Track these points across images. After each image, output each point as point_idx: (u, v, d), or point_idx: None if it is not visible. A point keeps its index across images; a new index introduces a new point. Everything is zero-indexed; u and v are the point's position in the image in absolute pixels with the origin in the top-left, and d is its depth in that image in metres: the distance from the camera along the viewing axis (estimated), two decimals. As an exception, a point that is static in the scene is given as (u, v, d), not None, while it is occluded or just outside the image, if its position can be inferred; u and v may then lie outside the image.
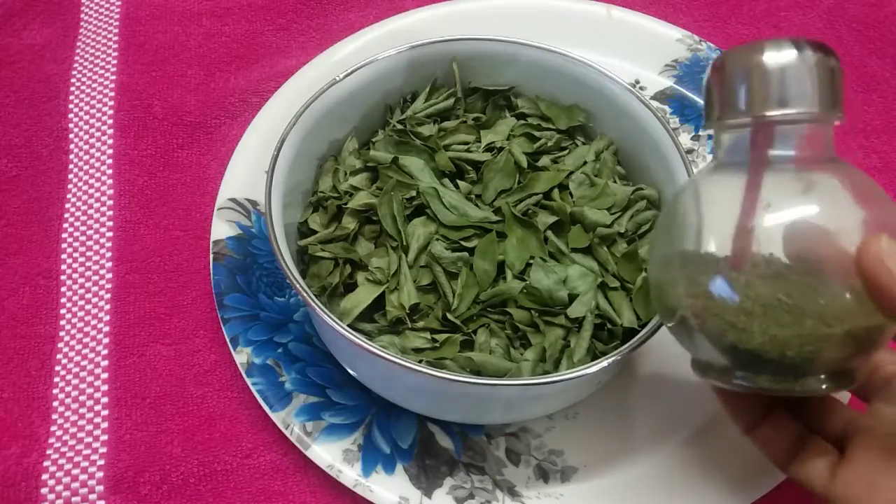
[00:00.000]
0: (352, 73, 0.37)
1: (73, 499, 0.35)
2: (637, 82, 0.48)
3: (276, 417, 0.35)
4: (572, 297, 0.33)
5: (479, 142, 0.37)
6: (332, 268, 0.34)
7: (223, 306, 0.37)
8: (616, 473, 0.35)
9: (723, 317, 0.25)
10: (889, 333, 0.25)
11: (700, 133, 0.46)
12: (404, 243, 0.34)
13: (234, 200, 0.41)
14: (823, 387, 0.25)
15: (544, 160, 0.37)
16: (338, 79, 0.36)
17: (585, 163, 0.37)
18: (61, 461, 0.36)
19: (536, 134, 0.38)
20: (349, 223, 0.35)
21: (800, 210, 0.25)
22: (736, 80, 0.25)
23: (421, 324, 0.33)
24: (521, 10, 0.49)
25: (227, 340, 0.37)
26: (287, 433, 0.35)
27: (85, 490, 0.35)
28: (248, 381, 0.36)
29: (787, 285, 0.24)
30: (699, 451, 0.36)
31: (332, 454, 0.34)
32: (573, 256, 0.34)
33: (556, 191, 0.36)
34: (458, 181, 0.36)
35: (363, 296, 0.33)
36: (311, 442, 0.35)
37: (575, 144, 0.39)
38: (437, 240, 0.34)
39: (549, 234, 0.35)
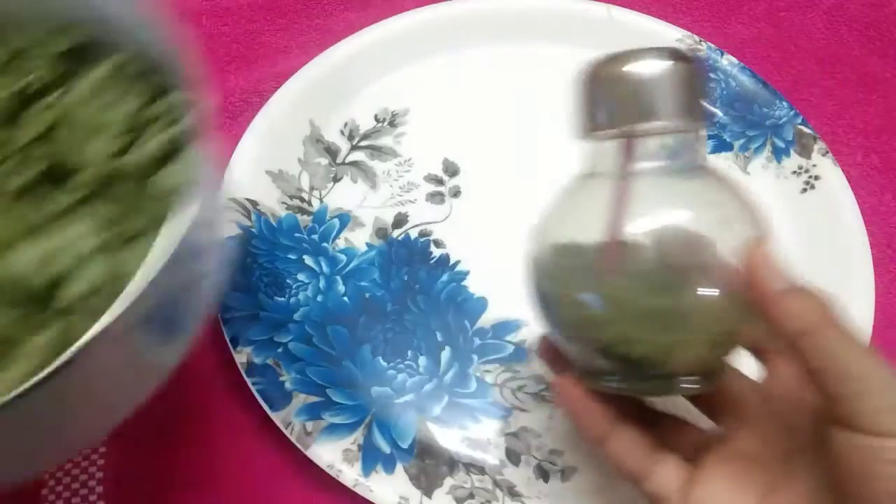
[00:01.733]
0: None
1: (73, 499, 0.35)
2: (637, 82, 0.48)
3: (276, 417, 0.35)
4: (69, 273, 0.24)
5: None
6: None
7: (223, 306, 0.37)
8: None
9: (598, 326, 0.26)
10: (748, 335, 0.27)
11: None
12: None
13: (234, 200, 0.41)
14: (690, 387, 0.26)
15: (40, 102, 0.28)
16: None
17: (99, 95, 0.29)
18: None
19: (23, 68, 0.29)
20: None
21: (666, 217, 0.26)
22: (602, 93, 0.26)
23: None
24: (520, 10, 0.49)
25: (227, 340, 0.37)
26: (287, 433, 0.35)
27: (85, 490, 0.35)
28: (248, 381, 0.36)
29: (660, 292, 0.25)
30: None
31: (332, 454, 0.34)
32: (73, 213, 0.26)
33: (52, 134, 0.27)
34: None
35: None
36: (311, 442, 0.35)
37: (84, 71, 0.29)
38: None
39: (39, 192, 0.26)
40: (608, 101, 0.26)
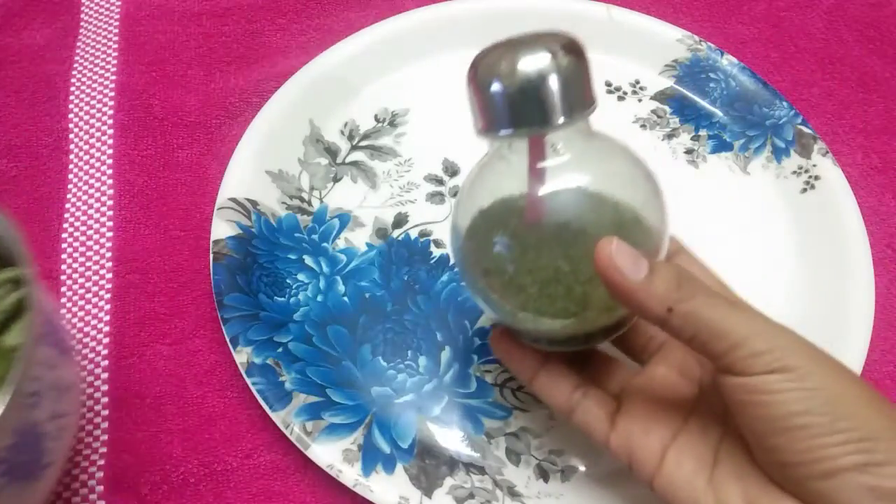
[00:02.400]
0: None
1: (74, 499, 0.35)
2: (637, 82, 0.48)
3: (276, 417, 0.35)
4: None
5: None
6: None
7: (223, 306, 0.38)
8: (617, 473, 0.35)
9: (514, 292, 0.28)
10: None
11: (700, 133, 0.46)
12: None
13: (234, 200, 0.41)
14: (603, 338, 0.29)
15: None
16: None
17: None
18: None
19: None
20: None
21: (572, 186, 0.28)
22: (494, 99, 0.26)
23: None
24: (521, 10, 0.49)
25: (227, 340, 0.37)
26: (287, 433, 0.35)
27: (85, 490, 0.35)
28: (248, 381, 0.36)
29: (571, 256, 0.27)
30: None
31: (332, 454, 0.34)
32: None
33: None
34: None
35: None
36: (311, 442, 0.35)
37: None
38: None
39: None
40: (502, 107, 0.26)
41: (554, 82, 0.25)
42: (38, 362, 0.28)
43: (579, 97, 0.26)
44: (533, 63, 0.25)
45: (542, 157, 0.27)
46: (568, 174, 0.27)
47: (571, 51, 0.26)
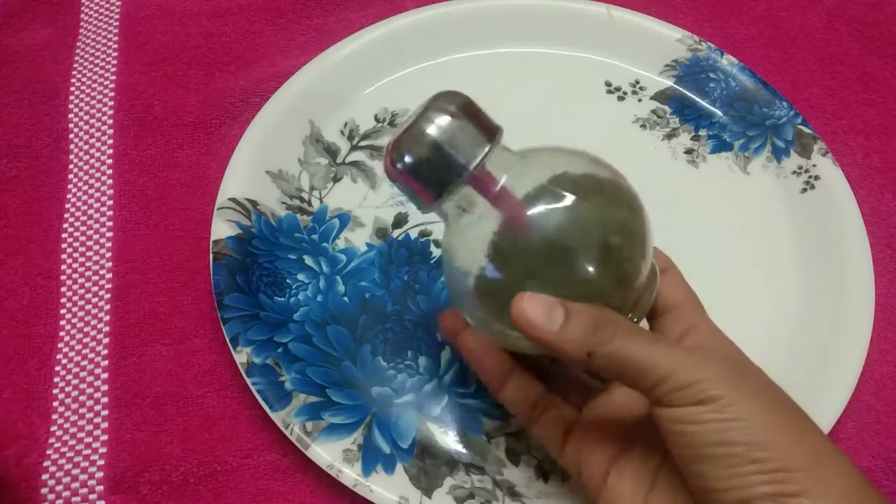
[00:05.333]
0: None
1: (74, 499, 0.35)
2: (637, 82, 0.48)
3: (276, 417, 0.35)
4: None
5: None
6: None
7: (223, 306, 0.38)
8: (616, 473, 0.35)
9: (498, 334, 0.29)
10: (630, 298, 0.29)
11: (700, 133, 0.46)
12: None
13: (234, 200, 0.41)
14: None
15: None
16: None
17: None
18: (61, 461, 0.36)
19: None
20: None
21: (548, 205, 0.28)
22: (420, 170, 0.28)
23: None
24: (521, 10, 0.49)
25: (227, 340, 0.37)
26: (287, 433, 0.35)
27: (85, 490, 0.35)
28: (248, 381, 0.36)
29: (555, 266, 0.28)
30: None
31: (332, 454, 0.34)
32: None
33: None
34: None
35: None
36: (310, 442, 0.35)
37: None
38: None
39: None
40: (443, 160, 0.27)
41: (454, 128, 0.27)
42: None
43: (482, 128, 0.28)
44: (428, 126, 0.27)
45: (493, 184, 0.28)
46: (517, 187, 0.28)
47: (451, 100, 0.28)
